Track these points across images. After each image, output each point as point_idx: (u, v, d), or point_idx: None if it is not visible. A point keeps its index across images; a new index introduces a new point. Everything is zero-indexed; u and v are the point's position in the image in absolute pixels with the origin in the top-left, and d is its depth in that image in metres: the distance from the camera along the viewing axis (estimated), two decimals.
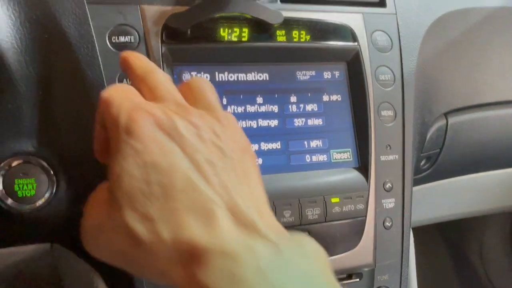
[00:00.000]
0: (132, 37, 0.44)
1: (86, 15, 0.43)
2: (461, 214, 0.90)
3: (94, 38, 0.43)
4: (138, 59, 0.35)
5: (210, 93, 0.34)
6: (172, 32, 0.45)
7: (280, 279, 0.25)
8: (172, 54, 0.46)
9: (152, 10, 0.45)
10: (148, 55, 0.44)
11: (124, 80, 0.43)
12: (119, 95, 0.31)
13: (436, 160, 0.65)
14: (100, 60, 0.43)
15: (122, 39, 0.44)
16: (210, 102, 0.33)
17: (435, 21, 0.58)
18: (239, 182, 0.29)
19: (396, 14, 0.56)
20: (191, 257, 0.26)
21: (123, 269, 0.43)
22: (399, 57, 0.54)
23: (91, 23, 0.43)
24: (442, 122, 0.62)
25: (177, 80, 0.46)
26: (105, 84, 0.43)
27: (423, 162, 0.64)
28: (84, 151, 0.44)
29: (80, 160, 0.44)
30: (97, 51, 0.43)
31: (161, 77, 0.33)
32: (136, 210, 0.27)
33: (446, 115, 0.62)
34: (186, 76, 0.47)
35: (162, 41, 0.45)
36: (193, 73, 0.47)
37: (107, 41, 0.44)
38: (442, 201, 0.81)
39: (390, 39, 0.54)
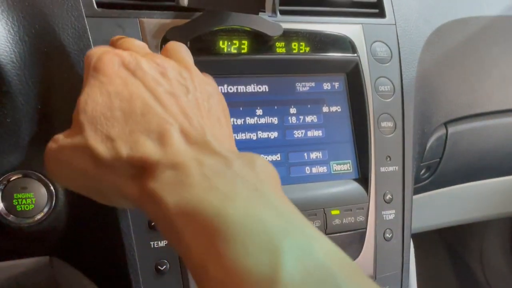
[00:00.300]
0: None
1: (85, 29, 0.43)
2: (460, 221, 0.90)
3: None
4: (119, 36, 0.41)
5: (184, 51, 0.38)
6: None
7: (226, 186, 0.27)
8: None
9: (151, 24, 0.45)
10: None
11: None
12: (97, 49, 0.36)
13: (436, 170, 0.65)
14: None
15: None
16: (183, 57, 0.37)
17: (434, 31, 0.59)
18: (200, 115, 0.32)
19: (395, 24, 0.56)
20: (143, 170, 0.29)
21: (122, 285, 0.43)
22: (399, 68, 0.54)
23: (90, 37, 0.43)
24: (441, 131, 0.62)
25: None
26: None
27: (423, 172, 0.64)
28: None
29: None
30: None
31: (135, 40, 0.39)
32: (98, 131, 0.30)
33: (445, 124, 0.62)
34: None
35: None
36: None
37: None
38: (441, 209, 0.81)
39: (390, 50, 0.54)
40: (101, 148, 0.30)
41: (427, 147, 0.61)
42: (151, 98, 0.32)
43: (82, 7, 0.43)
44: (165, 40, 0.45)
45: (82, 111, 0.32)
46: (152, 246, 0.43)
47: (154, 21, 0.45)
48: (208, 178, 0.27)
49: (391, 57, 0.54)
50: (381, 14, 0.56)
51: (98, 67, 0.33)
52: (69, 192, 0.44)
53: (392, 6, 0.56)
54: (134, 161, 0.29)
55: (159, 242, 0.43)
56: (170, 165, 0.28)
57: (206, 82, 0.36)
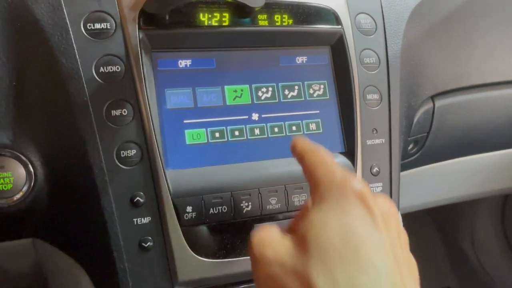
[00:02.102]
0: (108, 23, 0.43)
1: (59, 2, 0.42)
2: (451, 199, 0.90)
3: (69, 25, 0.42)
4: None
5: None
6: (150, 17, 0.44)
7: None
8: (150, 40, 0.44)
9: None
10: (125, 42, 0.43)
11: (101, 68, 0.42)
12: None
13: (424, 144, 0.64)
14: (75, 48, 0.42)
15: (98, 26, 0.43)
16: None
17: (419, 2, 0.58)
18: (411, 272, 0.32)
19: None
20: None
21: (105, 264, 0.42)
22: (384, 40, 0.53)
23: (65, 10, 0.42)
24: (429, 105, 0.62)
25: (156, 66, 0.45)
26: (81, 72, 0.41)
27: (411, 146, 0.64)
28: (62, 143, 0.43)
29: (58, 152, 0.43)
30: (72, 38, 0.42)
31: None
32: (325, 265, 0.28)
33: (433, 98, 0.62)
34: (167, 63, 0.46)
35: (139, 27, 0.44)
36: (173, 60, 0.46)
37: (82, 28, 0.42)
38: (430, 186, 0.81)
39: (374, 21, 0.53)
40: (321, 284, 0.28)
41: (415, 121, 0.60)
42: (384, 252, 0.29)
43: None
44: (143, 13, 0.44)
45: (315, 234, 0.30)
46: (135, 223, 0.42)
47: None
48: None
49: (376, 28, 0.53)
50: None
51: (344, 193, 0.31)
52: (49, 171, 0.43)
53: None
54: None
55: (142, 219, 0.42)
56: None
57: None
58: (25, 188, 0.42)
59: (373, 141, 0.51)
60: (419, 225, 1.35)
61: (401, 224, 0.34)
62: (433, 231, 1.38)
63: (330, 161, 0.35)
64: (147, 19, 0.44)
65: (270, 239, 0.32)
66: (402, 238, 0.33)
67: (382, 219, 0.31)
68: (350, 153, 0.50)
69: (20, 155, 0.42)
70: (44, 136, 0.42)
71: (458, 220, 1.31)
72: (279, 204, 0.45)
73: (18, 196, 0.42)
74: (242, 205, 0.44)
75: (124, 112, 0.42)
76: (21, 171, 0.42)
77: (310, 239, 0.29)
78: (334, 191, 0.31)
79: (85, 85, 0.41)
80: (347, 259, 0.28)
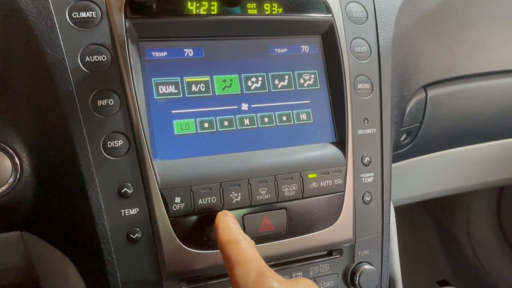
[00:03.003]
0: (93, 12, 0.42)
1: None
2: (445, 191, 0.90)
3: (53, 14, 0.41)
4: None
5: None
6: (136, 6, 0.43)
7: None
8: (137, 29, 0.44)
9: None
10: (111, 30, 0.42)
11: (87, 57, 0.41)
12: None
13: (417, 134, 0.64)
14: (60, 37, 0.41)
15: (83, 14, 0.42)
16: None
17: None
18: None
19: None
20: None
21: (93, 256, 0.41)
22: (375, 29, 0.53)
23: (50, 0, 0.41)
24: (421, 95, 0.61)
25: (143, 55, 0.45)
26: (66, 62, 0.41)
27: (403, 137, 0.63)
28: (48, 134, 0.42)
29: (44, 143, 0.42)
30: (57, 27, 0.41)
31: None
32: None
33: (425, 88, 0.61)
34: (154, 53, 0.45)
35: (125, 16, 0.43)
36: (160, 49, 0.45)
37: (67, 17, 0.42)
38: (425, 178, 0.80)
39: (365, 10, 0.53)
40: None
41: (407, 111, 0.60)
42: None
43: None
44: (129, 1, 0.43)
45: None
46: (123, 214, 0.41)
47: None
48: None
49: (367, 17, 0.53)
50: None
51: None
52: (35, 162, 0.42)
53: None
54: None
55: (130, 210, 0.42)
56: None
57: None
58: (11, 180, 0.42)
59: (364, 131, 0.50)
60: (414, 217, 1.35)
61: None
62: (429, 223, 1.38)
63: (249, 257, 0.35)
64: (133, 7, 0.43)
65: None
66: None
67: None
68: (341, 143, 0.49)
69: (6, 147, 0.42)
70: (30, 127, 0.42)
71: (454, 212, 1.31)
72: (269, 195, 0.45)
73: (4, 188, 0.42)
74: (231, 195, 0.44)
75: (111, 102, 0.42)
76: (7, 163, 0.42)
77: None
78: None
79: (70, 75, 0.41)
80: None
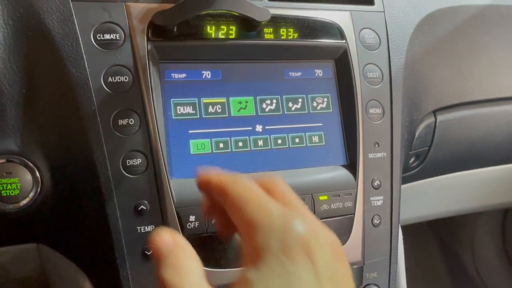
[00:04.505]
0: (117, 34, 0.44)
1: (70, 13, 0.43)
2: (451, 212, 0.91)
3: (79, 35, 0.43)
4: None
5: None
6: (158, 29, 0.45)
7: None
8: (158, 51, 0.45)
9: (137, 8, 0.45)
10: (133, 52, 0.44)
11: (109, 78, 0.43)
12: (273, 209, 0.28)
13: (425, 158, 0.65)
14: (84, 58, 0.43)
15: (107, 36, 0.44)
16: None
17: (423, 18, 0.59)
18: None
19: (384, 12, 0.56)
20: None
21: (109, 271, 0.42)
22: (387, 55, 0.54)
23: (75, 21, 0.43)
24: (430, 119, 0.62)
25: (163, 77, 0.46)
26: (90, 82, 0.42)
27: (412, 160, 0.64)
28: (69, 150, 0.43)
29: (65, 160, 0.43)
30: (82, 48, 0.43)
31: (294, 196, 0.32)
32: None
33: (434, 112, 0.62)
34: (174, 75, 0.47)
35: (148, 39, 0.44)
36: (180, 71, 0.47)
37: (92, 38, 0.43)
38: (431, 199, 0.81)
39: (378, 36, 0.54)
40: None
41: (416, 135, 0.61)
42: None
43: None
44: (151, 25, 0.45)
45: None
46: (139, 231, 0.42)
47: (140, 5, 0.45)
48: None
49: (380, 44, 0.54)
50: (370, 1, 0.55)
51: (288, 247, 0.26)
52: (55, 178, 0.44)
53: None
54: None
55: (146, 227, 0.43)
56: None
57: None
58: (31, 194, 0.43)
59: (374, 155, 0.51)
60: (419, 237, 1.35)
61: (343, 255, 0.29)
62: (433, 243, 1.38)
63: (261, 193, 0.29)
64: (155, 31, 0.45)
65: None
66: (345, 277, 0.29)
67: (327, 273, 0.27)
68: (351, 166, 0.50)
69: (28, 162, 0.43)
70: (52, 144, 0.43)
71: (459, 232, 1.31)
72: None
73: (25, 202, 0.43)
74: None
75: (131, 121, 0.43)
76: (28, 177, 0.43)
77: None
78: (273, 242, 0.26)
79: (93, 95, 0.42)
80: None
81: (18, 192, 0.42)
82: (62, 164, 0.43)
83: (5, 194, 0.42)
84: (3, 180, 0.42)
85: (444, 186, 0.77)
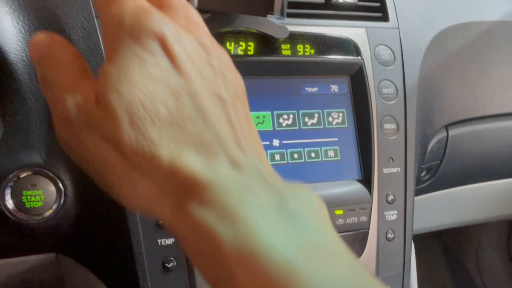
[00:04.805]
0: None
1: (95, 29, 0.44)
2: (459, 223, 0.91)
3: (103, 52, 0.44)
4: None
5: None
6: None
7: (287, 228, 0.22)
8: None
9: None
10: None
11: None
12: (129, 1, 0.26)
13: (437, 172, 0.66)
14: None
15: None
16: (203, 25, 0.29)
17: (436, 35, 0.60)
18: (244, 122, 0.27)
19: (398, 28, 0.57)
20: (186, 190, 0.23)
21: (129, 283, 0.43)
22: (402, 71, 0.55)
23: (100, 37, 0.44)
24: (442, 134, 0.63)
25: None
26: None
27: (423, 173, 0.65)
28: None
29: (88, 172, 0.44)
30: None
31: None
32: (136, 126, 0.23)
33: (446, 127, 0.63)
34: None
35: None
36: None
37: None
38: (441, 210, 0.82)
39: (393, 53, 0.55)
40: (136, 147, 0.23)
41: (428, 149, 0.61)
42: (201, 98, 0.25)
43: (92, 8, 0.44)
44: None
45: (114, 90, 0.24)
46: (159, 243, 0.43)
47: None
48: (267, 216, 0.22)
49: (394, 60, 0.55)
50: (385, 18, 0.56)
51: (137, 36, 0.25)
52: (78, 190, 0.45)
53: (396, 11, 0.57)
54: (176, 176, 0.23)
55: (166, 240, 0.44)
56: (223, 193, 0.23)
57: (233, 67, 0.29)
58: (55, 206, 0.44)
59: (389, 170, 0.52)
60: (424, 245, 1.35)
61: (228, 62, 0.29)
62: (438, 252, 1.38)
63: None
64: None
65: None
66: (229, 80, 0.28)
67: (191, 63, 0.25)
68: (366, 180, 0.51)
69: (52, 174, 0.44)
70: None
71: (464, 242, 1.32)
72: None
73: (48, 213, 0.44)
74: None
75: None
76: (52, 189, 0.44)
77: (113, 101, 0.24)
78: (125, 37, 0.25)
79: None
80: (159, 116, 0.24)
81: (42, 204, 0.43)
82: (85, 177, 0.44)
83: (29, 206, 0.43)
84: (28, 192, 0.43)
85: (454, 198, 0.77)
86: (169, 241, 0.44)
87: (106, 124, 0.24)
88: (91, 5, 0.44)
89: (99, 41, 0.44)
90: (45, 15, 0.43)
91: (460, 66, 0.64)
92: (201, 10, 0.45)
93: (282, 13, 0.43)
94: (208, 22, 0.46)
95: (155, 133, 0.24)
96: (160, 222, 0.43)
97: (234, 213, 0.22)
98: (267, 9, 0.43)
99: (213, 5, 0.43)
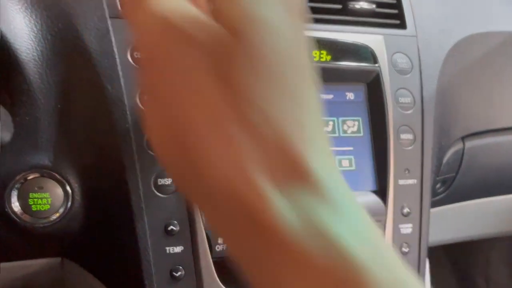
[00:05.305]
0: None
1: (108, 30, 0.43)
2: (471, 237, 0.89)
3: (116, 53, 0.43)
4: None
5: None
6: None
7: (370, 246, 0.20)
8: None
9: None
10: None
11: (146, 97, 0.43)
12: None
13: (452, 184, 0.64)
14: (120, 75, 0.43)
15: None
16: None
17: (455, 44, 0.58)
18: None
19: (416, 36, 0.55)
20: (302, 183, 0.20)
21: None
22: (419, 80, 0.54)
23: (113, 38, 0.43)
24: (459, 146, 0.61)
25: None
26: (125, 100, 0.42)
27: (438, 186, 0.63)
28: (101, 167, 0.43)
29: (96, 176, 0.43)
30: (118, 65, 0.43)
31: None
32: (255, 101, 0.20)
33: (463, 139, 0.62)
34: None
35: None
36: None
37: (129, 56, 0.43)
38: (454, 224, 0.80)
39: (411, 61, 0.54)
40: (256, 120, 0.20)
41: (444, 161, 0.60)
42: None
43: (106, 8, 0.43)
44: None
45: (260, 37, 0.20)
46: (167, 251, 0.42)
47: None
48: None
49: (412, 68, 0.54)
50: (402, 25, 0.55)
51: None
52: (86, 195, 0.43)
53: (414, 18, 0.56)
54: (295, 164, 0.20)
55: (174, 248, 0.42)
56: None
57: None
58: (61, 210, 0.43)
59: (405, 181, 0.51)
60: (432, 259, 1.33)
61: None
62: (447, 267, 1.36)
63: None
64: None
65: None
66: None
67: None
68: (381, 192, 0.50)
69: (60, 177, 0.43)
70: (84, 160, 0.43)
71: (473, 256, 1.29)
72: None
73: (54, 217, 0.43)
74: None
75: None
76: (59, 192, 0.43)
77: (250, 40, 0.20)
78: None
79: (128, 112, 0.42)
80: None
81: (49, 207, 0.42)
82: (93, 181, 0.43)
83: (35, 209, 0.42)
84: (34, 194, 0.42)
85: (467, 212, 0.75)
86: (178, 249, 0.42)
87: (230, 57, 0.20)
88: (105, 5, 0.43)
89: (111, 42, 0.43)
90: (58, 14, 0.42)
91: (477, 77, 0.62)
92: None
93: None
94: None
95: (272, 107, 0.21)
96: (169, 228, 0.42)
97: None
98: None
99: None
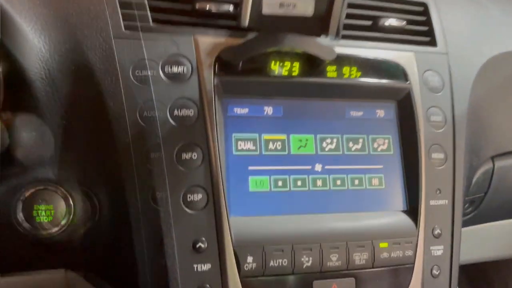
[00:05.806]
0: (184, 67, 0.44)
1: (112, 50, 0.43)
2: (493, 258, 0.87)
3: (119, 72, 0.42)
4: None
5: None
6: (224, 64, 0.45)
7: None
8: (223, 86, 0.45)
9: (206, 42, 0.45)
10: (200, 86, 0.44)
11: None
12: None
13: (480, 205, 0.62)
14: (122, 93, 0.42)
15: (175, 69, 0.43)
16: None
17: (486, 62, 0.57)
18: None
19: (447, 54, 0.54)
20: None
21: None
22: (451, 98, 0.53)
23: (116, 58, 0.43)
24: (488, 165, 0.60)
25: (226, 111, 0.45)
26: (126, 116, 0.42)
27: (466, 206, 0.62)
28: (103, 181, 0.43)
29: (99, 190, 0.43)
30: (120, 84, 0.42)
31: None
32: None
33: (493, 158, 0.60)
34: (236, 109, 0.46)
35: (214, 73, 0.44)
36: (242, 106, 0.46)
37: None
38: (477, 245, 0.78)
39: (442, 79, 0.53)
40: None
41: (473, 181, 0.58)
42: None
43: (110, 29, 0.43)
44: (218, 59, 0.44)
45: None
46: (195, 269, 0.41)
47: (208, 39, 0.45)
48: None
49: (443, 86, 0.53)
50: (433, 42, 0.54)
51: None
52: (88, 208, 0.43)
53: (444, 35, 0.55)
54: None
55: (202, 266, 0.41)
56: None
57: None
58: (64, 221, 0.43)
59: (436, 202, 0.49)
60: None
61: None
62: (465, 286, 1.32)
63: None
64: (222, 65, 0.44)
65: None
66: None
67: None
68: (412, 212, 0.48)
69: (63, 190, 0.43)
70: (87, 174, 0.43)
71: (492, 276, 1.26)
72: (339, 262, 0.44)
73: (57, 228, 0.43)
74: (302, 259, 0.43)
75: (194, 156, 0.42)
76: (62, 205, 0.43)
77: None
78: None
79: (128, 128, 0.42)
80: None
81: (52, 218, 0.42)
82: (95, 195, 0.43)
83: (39, 220, 0.42)
84: (39, 206, 0.42)
85: (494, 232, 0.74)
86: (206, 267, 0.41)
87: None
88: (110, 26, 0.43)
89: (115, 61, 0.43)
90: (65, 36, 0.42)
91: (508, 96, 0.61)
92: (250, 28, 0.44)
93: (337, 34, 0.41)
94: (254, 41, 0.45)
95: None
96: (197, 245, 0.41)
97: None
98: (322, 29, 0.41)
99: (264, 24, 0.42)
